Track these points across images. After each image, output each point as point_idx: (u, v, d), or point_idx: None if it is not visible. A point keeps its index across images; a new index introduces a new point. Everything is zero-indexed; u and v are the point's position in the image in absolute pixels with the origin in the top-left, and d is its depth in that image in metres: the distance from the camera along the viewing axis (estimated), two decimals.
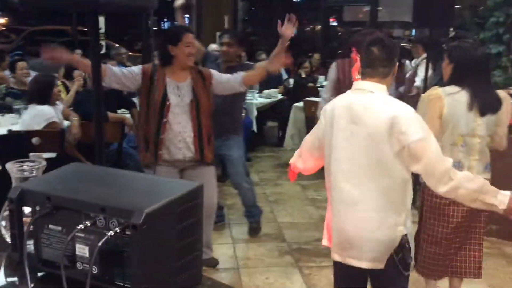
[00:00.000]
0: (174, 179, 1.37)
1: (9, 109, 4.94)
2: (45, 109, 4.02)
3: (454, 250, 2.78)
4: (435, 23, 4.34)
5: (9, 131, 3.85)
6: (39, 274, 1.33)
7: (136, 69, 3.09)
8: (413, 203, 4.91)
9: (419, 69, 5.66)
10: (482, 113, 2.39)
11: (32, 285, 1.31)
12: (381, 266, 2.04)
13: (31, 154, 3.72)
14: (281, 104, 7.18)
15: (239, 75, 3.26)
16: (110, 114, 4.42)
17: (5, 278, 1.37)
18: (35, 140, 3.84)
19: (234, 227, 4.37)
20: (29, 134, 3.82)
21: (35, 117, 4.01)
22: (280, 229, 4.38)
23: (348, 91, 2.14)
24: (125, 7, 1.49)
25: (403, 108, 2.00)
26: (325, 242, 2.28)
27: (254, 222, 4.22)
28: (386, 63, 2.05)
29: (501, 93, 2.72)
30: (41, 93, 4.04)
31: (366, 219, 2.03)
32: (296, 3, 16.55)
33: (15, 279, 1.35)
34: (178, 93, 3.08)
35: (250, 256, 3.85)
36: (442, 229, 2.71)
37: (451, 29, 7.35)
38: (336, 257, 2.14)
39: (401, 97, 4.46)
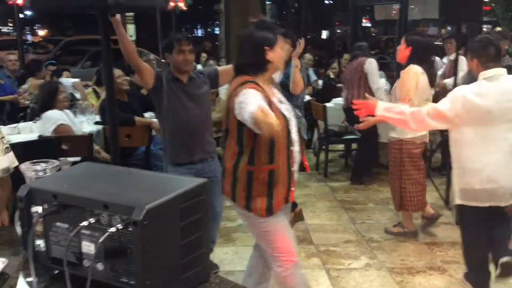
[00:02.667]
0: (179, 176, 1.37)
1: None
2: (51, 113, 4.10)
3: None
4: (462, 19, 4.22)
5: (40, 136, 3.97)
6: (56, 272, 1.35)
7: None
8: (447, 203, 4.83)
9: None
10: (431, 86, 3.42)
11: (44, 284, 1.33)
12: None
13: (60, 158, 3.85)
14: (309, 105, 7.13)
15: None
16: (137, 118, 4.48)
17: (24, 279, 1.39)
18: (65, 145, 3.94)
19: None
20: (59, 139, 3.92)
21: (44, 123, 4.11)
22: (308, 231, 4.33)
23: (481, 81, 2.83)
24: (133, 7, 1.50)
25: None
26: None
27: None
28: (500, 56, 2.90)
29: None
30: (45, 100, 4.17)
31: None
32: (325, 5, 16.45)
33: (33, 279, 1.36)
34: (286, 108, 2.53)
35: None
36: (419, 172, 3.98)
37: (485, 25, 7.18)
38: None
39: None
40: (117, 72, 4.51)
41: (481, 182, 2.86)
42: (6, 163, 2.06)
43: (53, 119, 4.06)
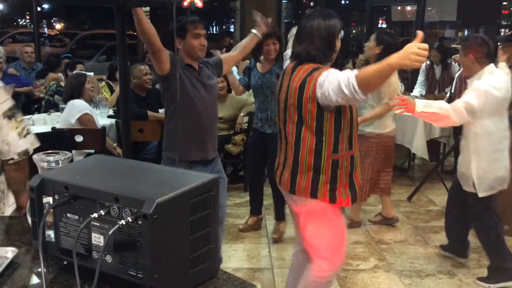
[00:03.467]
0: (190, 171, 1.37)
1: (56, 107, 5.16)
2: (78, 102, 4.27)
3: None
4: (480, 22, 4.19)
5: (53, 128, 4.00)
6: (65, 263, 1.35)
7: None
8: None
9: None
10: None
11: (53, 274, 1.34)
12: None
13: (73, 151, 3.88)
14: None
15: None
16: (150, 113, 4.51)
17: (34, 269, 1.40)
18: (78, 137, 3.98)
19: (271, 227, 4.35)
20: (72, 132, 3.95)
21: (69, 111, 4.24)
22: None
23: (488, 75, 3.10)
24: (150, 1, 1.51)
25: None
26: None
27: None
28: (492, 53, 3.18)
29: None
30: (73, 90, 4.34)
31: None
32: (342, 5, 16.37)
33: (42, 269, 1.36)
34: None
35: (284, 257, 3.81)
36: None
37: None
38: None
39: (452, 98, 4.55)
40: (145, 69, 4.57)
41: (501, 169, 3.18)
42: (23, 146, 2.05)
43: (80, 107, 4.22)
